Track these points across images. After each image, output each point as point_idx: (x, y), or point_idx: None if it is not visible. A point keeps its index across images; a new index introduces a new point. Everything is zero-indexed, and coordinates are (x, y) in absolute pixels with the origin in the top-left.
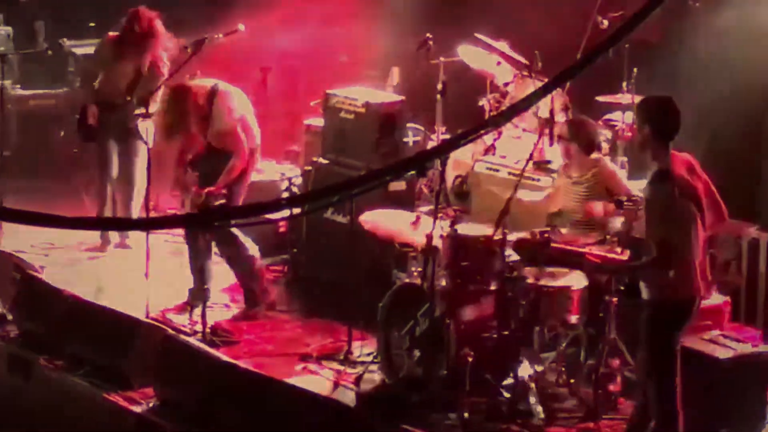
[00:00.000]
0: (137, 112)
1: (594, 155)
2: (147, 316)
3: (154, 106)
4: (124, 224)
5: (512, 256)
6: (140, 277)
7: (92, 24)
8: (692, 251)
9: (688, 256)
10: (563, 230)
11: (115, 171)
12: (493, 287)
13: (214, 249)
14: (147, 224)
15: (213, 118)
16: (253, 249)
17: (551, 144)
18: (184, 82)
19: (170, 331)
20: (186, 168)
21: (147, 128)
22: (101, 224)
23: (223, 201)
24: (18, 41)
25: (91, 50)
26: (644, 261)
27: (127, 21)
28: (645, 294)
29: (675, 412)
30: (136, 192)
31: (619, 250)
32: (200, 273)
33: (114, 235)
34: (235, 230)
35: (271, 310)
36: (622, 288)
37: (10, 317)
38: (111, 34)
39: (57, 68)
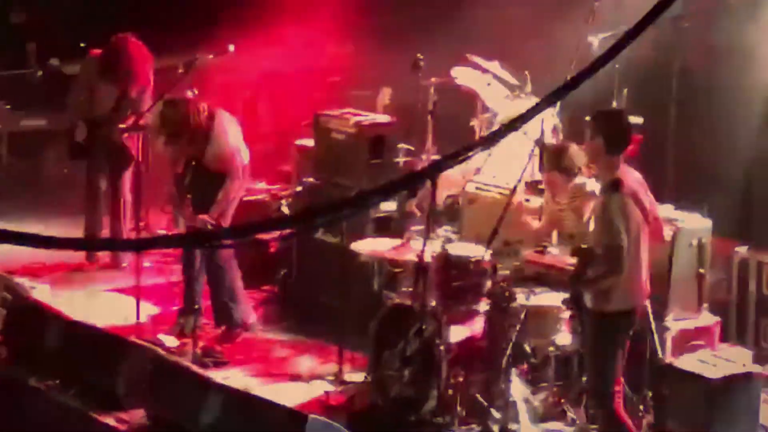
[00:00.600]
0: (123, 126)
1: (579, 179)
2: (138, 337)
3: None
4: (117, 245)
5: (502, 276)
6: (130, 297)
7: (83, 44)
8: (639, 259)
9: (634, 263)
10: (553, 250)
11: (103, 188)
12: (483, 307)
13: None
14: (140, 245)
15: (212, 140)
16: (237, 269)
17: (541, 166)
18: (184, 96)
19: (161, 351)
20: (176, 186)
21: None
22: (93, 245)
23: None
24: (9, 62)
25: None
26: (595, 272)
27: (111, 51)
28: (590, 303)
29: (621, 420)
30: (126, 209)
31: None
32: (191, 293)
33: (104, 254)
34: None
35: (248, 331)
36: (564, 300)
37: (0, 338)
38: (94, 51)
39: (48, 89)
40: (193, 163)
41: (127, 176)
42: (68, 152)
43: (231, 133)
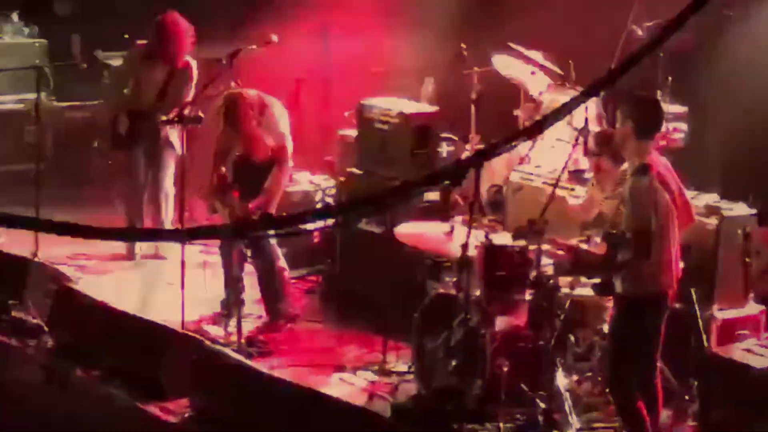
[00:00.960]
0: (165, 118)
1: (625, 166)
2: (182, 327)
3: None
4: (161, 235)
5: (547, 265)
6: (175, 287)
7: (126, 36)
8: (668, 243)
9: (664, 248)
10: (598, 239)
11: (144, 180)
12: (527, 297)
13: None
14: (184, 235)
15: (265, 129)
16: (282, 260)
17: (585, 154)
18: (237, 90)
19: (205, 341)
20: (222, 176)
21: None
22: (136, 235)
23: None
24: (53, 54)
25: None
26: (624, 256)
27: (154, 28)
28: (619, 288)
29: (636, 413)
30: (167, 201)
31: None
32: (235, 283)
33: (144, 245)
34: (271, 240)
35: (292, 322)
36: (594, 285)
37: (46, 328)
38: (140, 42)
39: (92, 80)
40: (240, 152)
41: (169, 168)
42: (110, 144)
43: (283, 122)
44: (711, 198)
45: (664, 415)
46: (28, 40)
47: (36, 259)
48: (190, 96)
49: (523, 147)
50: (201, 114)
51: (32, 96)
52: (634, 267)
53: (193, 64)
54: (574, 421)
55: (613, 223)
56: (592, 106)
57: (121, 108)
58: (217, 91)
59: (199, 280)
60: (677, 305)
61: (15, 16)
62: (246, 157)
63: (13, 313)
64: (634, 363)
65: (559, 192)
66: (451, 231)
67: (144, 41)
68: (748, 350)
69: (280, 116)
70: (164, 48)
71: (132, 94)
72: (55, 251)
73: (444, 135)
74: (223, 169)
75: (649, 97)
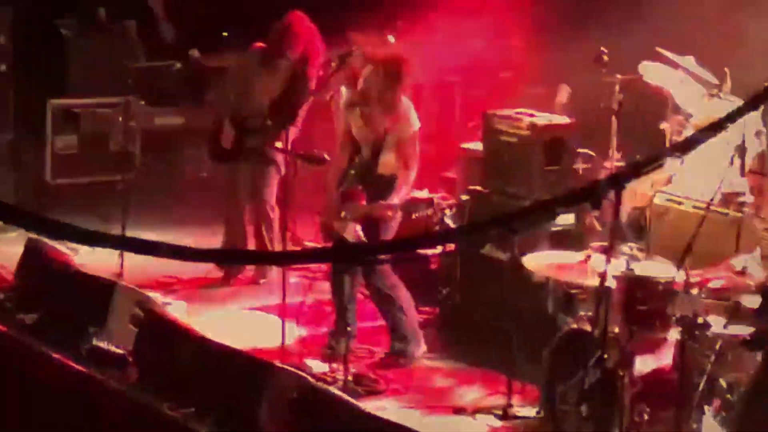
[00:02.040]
0: (278, 145)
1: None
2: (282, 361)
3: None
4: (260, 257)
5: (695, 299)
6: (275, 316)
7: (225, 34)
8: None
9: None
10: (756, 272)
11: (246, 198)
12: (673, 335)
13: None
14: (286, 258)
15: (399, 120)
16: (405, 292)
17: (742, 175)
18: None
19: (308, 377)
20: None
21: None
22: (234, 257)
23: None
24: (144, 54)
25: (224, 63)
26: None
27: (280, 26)
28: None
29: None
30: (271, 220)
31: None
32: (343, 312)
33: (246, 269)
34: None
35: (419, 358)
36: (745, 340)
37: (130, 359)
38: (257, 44)
39: (187, 82)
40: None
41: (272, 186)
42: (210, 155)
43: (413, 119)
44: None
45: None
46: (117, 38)
47: (120, 282)
48: (303, 111)
49: (670, 165)
50: (326, 156)
51: (120, 99)
52: None
53: (312, 83)
54: None
55: None
56: (752, 120)
57: (227, 116)
58: (327, 96)
59: (303, 309)
60: None
61: (102, 13)
62: (369, 158)
63: (95, 342)
64: None
65: (711, 217)
66: (587, 259)
67: (261, 43)
68: None
69: (411, 113)
70: (288, 51)
71: (240, 101)
72: (143, 272)
73: (580, 150)
74: (352, 171)
75: None
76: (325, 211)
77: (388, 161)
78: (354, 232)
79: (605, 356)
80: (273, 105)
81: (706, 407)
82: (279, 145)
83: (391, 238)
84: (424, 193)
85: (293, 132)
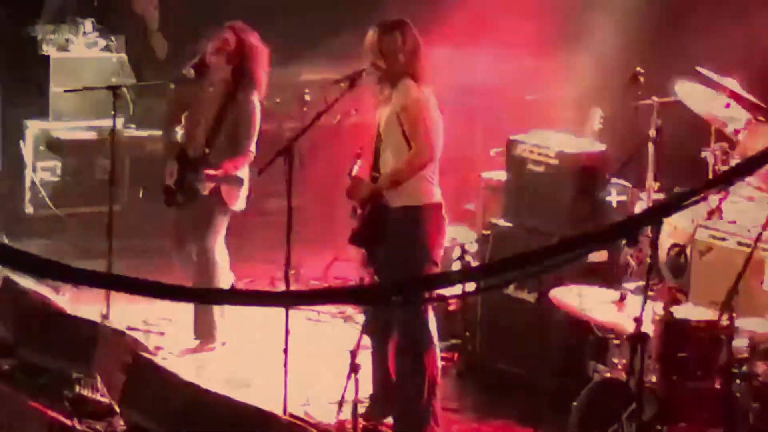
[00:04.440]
0: (212, 173)
1: None
2: (284, 411)
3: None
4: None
5: (742, 347)
6: (277, 363)
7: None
8: None
9: None
10: None
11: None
12: (717, 385)
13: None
14: (289, 299)
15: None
16: (435, 346)
17: None
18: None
19: (312, 430)
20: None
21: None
22: (230, 297)
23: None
24: (135, 71)
25: None
26: None
27: (212, 40)
28: None
29: None
30: (216, 276)
31: None
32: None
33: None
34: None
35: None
36: None
37: (117, 408)
38: (194, 65)
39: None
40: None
41: (219, 229)
42: (164, 198)
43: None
44: None
45: None
46: (104, 54)
47: (107, 324)
48: (252, 137)
49: (713, 198)
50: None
51: (107, 123)
52: None
53: (256, 101)
54: None
55: None
56: None
57: (169, 152)
58: (334, 120)
59: (307, 354)
60: None
61: (88, 25)
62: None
63: (78, 389)
64: None
65: (758, 255)
66: (622, 300)
67: (195, 65)
68: None
69: (435, 112)
70: (219, 67)
71: (184, 132)
72: (130, 314)
73: (614, 180)
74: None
75: None
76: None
77: (387, 159)
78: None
79: (641, 409)
80: (210, 131)
81: None
82: (211, 185)
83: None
84: None
85: (243, 161)
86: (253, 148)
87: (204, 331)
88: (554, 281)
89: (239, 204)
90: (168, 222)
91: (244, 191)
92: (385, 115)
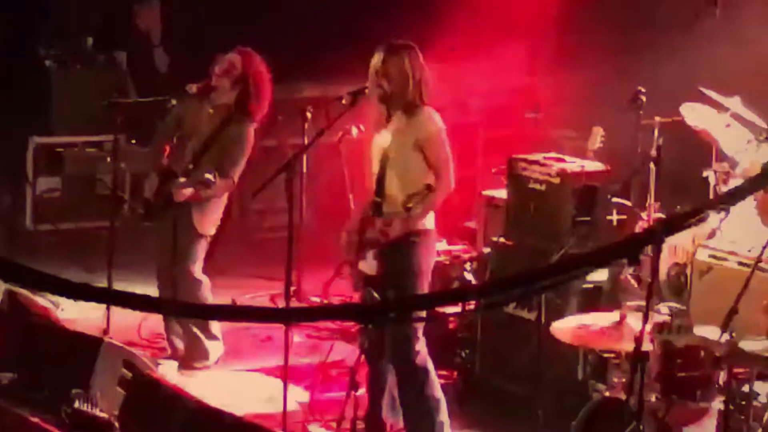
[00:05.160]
0: (182, 181)
1: None
2: (284, 428)
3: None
4: (261, 314)
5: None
6: (276, 379)
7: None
8: None
9: None
10: None
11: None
12: (717, 405)
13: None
14: (289, 316)
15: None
16: (433, 374)
17: None
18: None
19: None
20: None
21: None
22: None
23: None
24: (137, 86)
25: None
26: None
27: (220, 63)
28: None
29: None
30: (201, 291)
31: None
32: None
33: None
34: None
35: None
36: None
37: (116, 424)
38: (195, 84)
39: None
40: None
41: (199, 250)
42: (142, 214)
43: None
44: None
45: None
46: (106, 69)
47: (106, 339)
48: (238, 165)
49: (714, 218)
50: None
51: (108, 138)
52: None
53: (251, 131)
54: None
55: None
56: None
57: (154, 166)
58: (336, 138)
59: (306, 371)
60: None
61: (90, 42)
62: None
63: (77, 405)
64: None
65: (758, 276)
66: (622, 320)
67: (196, 85)
68: None
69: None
70: (224, 90)
71: (173, 146)
72: (130, 329)
73: (615, 199)
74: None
75: None
76: (348, 250)
77: (392, 185)
78: (374, 263)
79: (642, 428)
80: (198, 150)
81: None
82: (188, 192)
83: (425, 264)
84: (440, 245)
85: (224, 185)
86: (236, 176)
87: (194, 354)
88: (554, 301)
89: (211, 229)
90: (155, 245)
91: (217, 215)
92: (396, 140)
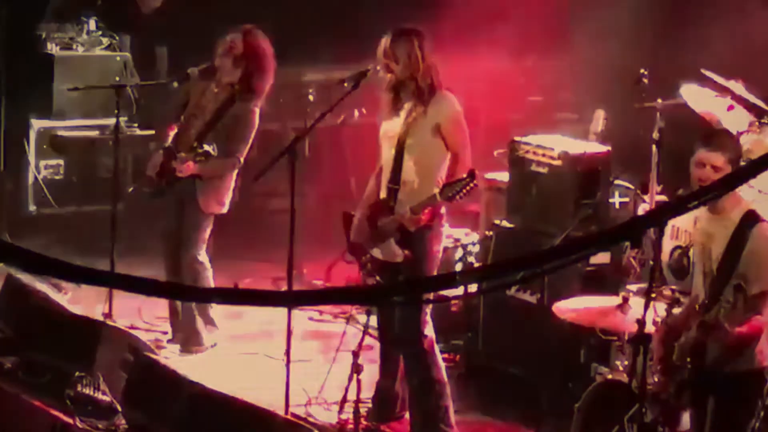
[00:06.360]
0: (182, 155)
1: None
2: (286, 411)
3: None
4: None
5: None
6: (279, 362)
7: None
8: None
9: None
10: None
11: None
12: None
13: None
14: (293, 299)
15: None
16: (439, 364)
17: None
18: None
19: (313, 430)
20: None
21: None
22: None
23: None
24: (137, 70)
25: None
26: None
27: (224, 41)
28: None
29: None
30: (203, 274)
31: None
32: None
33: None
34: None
35: None
36: None
37: (119, 407)
38: (202, 67)
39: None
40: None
41: (199, 233)
42: (149, 192)
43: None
44: None
45: None
46: (107, 53)
47: (109, 322)
48: (244, 145)
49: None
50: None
51: (110, 121)
52: None
53: (257, 110)
54: None
55: None
56: None
57: (160, 145)
58: (339, 120)
59: (309, 354)
60: None
61: (92, 24)
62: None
63: (80, 388)
64: None
65: None
66: (624, 303)
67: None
68: None
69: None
70: (228, 69)
71: (179, 126)
72: (132, 312)
73: (617, 182)
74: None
75: None
76: (358, 235)
77: (409, 170)
78: (397, 250)
79: (644, 410)
80: (203, 129)
81: None
82: (190, 166)
83: (439, 249)
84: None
85: (230, 165)
86: (242, 156)
87: (188, 339)
88: (557, 283)
89: (217, 208)
90: (158, 235)
91: (224, 195)
92: (413, 126)
